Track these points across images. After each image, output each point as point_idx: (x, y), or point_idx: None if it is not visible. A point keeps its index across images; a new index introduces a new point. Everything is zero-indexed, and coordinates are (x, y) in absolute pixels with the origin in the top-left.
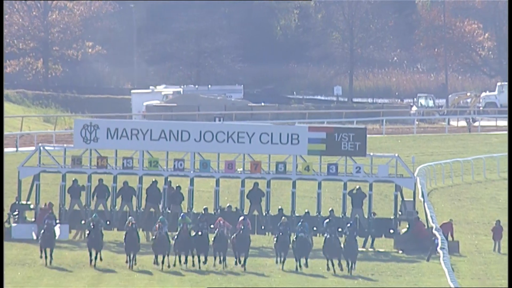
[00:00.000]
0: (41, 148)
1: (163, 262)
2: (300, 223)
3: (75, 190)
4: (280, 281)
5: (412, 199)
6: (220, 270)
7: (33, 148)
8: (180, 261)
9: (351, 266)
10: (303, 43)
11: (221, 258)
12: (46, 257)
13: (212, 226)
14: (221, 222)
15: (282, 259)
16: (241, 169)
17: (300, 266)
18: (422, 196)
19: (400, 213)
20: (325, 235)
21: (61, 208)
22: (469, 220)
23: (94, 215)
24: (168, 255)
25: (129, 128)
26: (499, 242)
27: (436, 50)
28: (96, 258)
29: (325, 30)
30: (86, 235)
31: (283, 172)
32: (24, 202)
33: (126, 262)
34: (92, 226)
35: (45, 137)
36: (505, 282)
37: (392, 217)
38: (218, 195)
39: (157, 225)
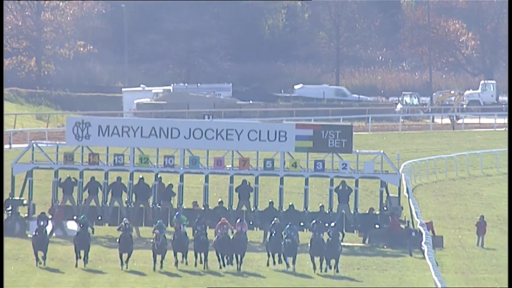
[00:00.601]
0: (34, 145)
1: (161, 263)
2: (288, 225)
3: (68, 185)
4: (271, 279)
5: (397, 195)
6: (219, 271)
7: (26, 145)
8: (177, 261)
9: (335, 265)
10: (290, 42)
11: (224, 259)
12: (37, 259)
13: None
14: (224, 224)
15: (275, 260)
16: (230, 165)
17: (288, 265)
18: (407, 192)
19: (385, 208)
20: (312, 234)
21: (53, 204)
22: (453, 215)
23: (82, 216)
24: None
25: (120, 126)
26: (482, 237)
27: (420, 49)
28: (85, 258)
29: (312, 30)
30: (75, 235)
31: (271, 169)
32: (17, 198)
33: (121, 264)
34: (80, 227)
35: (38, 134)
36: (488, 276)
37: (377, 212)
38: (207, 191)
39: (156, 231)
